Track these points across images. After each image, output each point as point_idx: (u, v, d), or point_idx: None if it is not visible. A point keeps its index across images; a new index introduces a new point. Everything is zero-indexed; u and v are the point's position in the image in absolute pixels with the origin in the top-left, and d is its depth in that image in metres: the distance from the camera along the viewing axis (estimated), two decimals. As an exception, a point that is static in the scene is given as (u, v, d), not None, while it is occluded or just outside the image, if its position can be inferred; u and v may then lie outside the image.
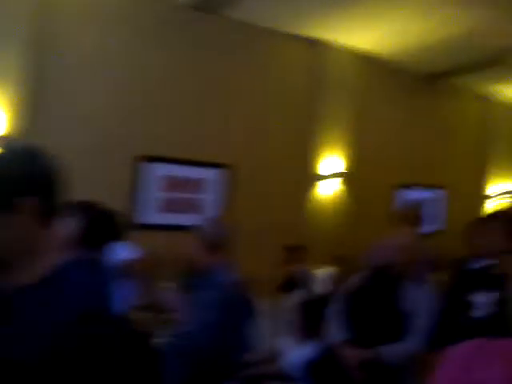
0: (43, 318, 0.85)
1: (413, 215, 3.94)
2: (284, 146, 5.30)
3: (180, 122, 4.71)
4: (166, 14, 4.62)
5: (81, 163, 3.69)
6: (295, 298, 3.50)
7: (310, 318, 2.87)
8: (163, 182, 4.66)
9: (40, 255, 0.93)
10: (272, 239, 4.78)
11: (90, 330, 0.84)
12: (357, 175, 5.60)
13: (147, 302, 2.98)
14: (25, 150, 0.95)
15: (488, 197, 7.20)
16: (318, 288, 4.31)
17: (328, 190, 5.51)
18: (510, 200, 7.14)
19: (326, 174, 5.47)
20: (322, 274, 4.58)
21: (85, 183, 2.93)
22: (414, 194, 6.26)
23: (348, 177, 5.57)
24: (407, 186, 6.26)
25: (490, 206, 7.12)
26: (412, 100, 6.39)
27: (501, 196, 7.15)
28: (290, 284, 4.17)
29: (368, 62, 5.78)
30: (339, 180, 5.54)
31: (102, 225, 2.12)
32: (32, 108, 3.88)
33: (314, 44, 5.41)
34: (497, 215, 2.94)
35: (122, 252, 2.63)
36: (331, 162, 5.52)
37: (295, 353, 2.85)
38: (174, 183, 4.72)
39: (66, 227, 1.89)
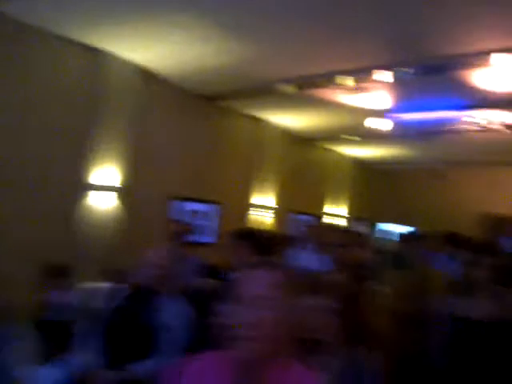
0: None
1: (177, 229, 4.12)
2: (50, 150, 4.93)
3: None
4: None
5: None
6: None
7: (56, 340, 2.69)
8: None
9: None
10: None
11: None
12: (133, 188, 5.58)
13: None
14: None
15: (251, 210, 7.97)
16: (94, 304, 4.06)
17: (102, 203, 5.33)
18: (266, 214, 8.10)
19: (99, 184, 5.28)
20: (94, 289, 4.36)
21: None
22: (190, 207, 6.59)
23: (123, 190, 5.51)
24: (182, 199, 6.53)
25: (251, 219, 7.91)
26: (190, 118, 6.67)
27: (259, 210, 8.02)
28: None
29: (149, 78, 5.82)
30: (114, 193, 5.42)
31: None
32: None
33: (95, 52, 5.22)
34: (245, 234, 3.51)
35: None
36: (105, 173, 5.35)
37: (41, 373, 2.63)
38: None
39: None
